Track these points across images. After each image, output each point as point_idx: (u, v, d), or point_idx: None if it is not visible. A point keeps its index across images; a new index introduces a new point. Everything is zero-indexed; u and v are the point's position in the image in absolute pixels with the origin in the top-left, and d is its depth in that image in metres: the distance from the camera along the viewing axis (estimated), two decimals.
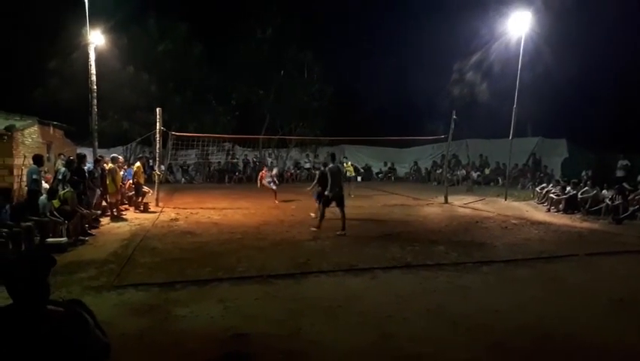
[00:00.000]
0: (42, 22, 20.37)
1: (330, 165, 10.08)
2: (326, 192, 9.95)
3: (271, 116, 26.50)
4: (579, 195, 14.06)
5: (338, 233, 9.78)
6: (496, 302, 5.67)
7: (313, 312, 5.30)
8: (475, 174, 23.69)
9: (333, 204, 10.17)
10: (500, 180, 21.96)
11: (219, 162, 26.83)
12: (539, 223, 11.96)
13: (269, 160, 26.95)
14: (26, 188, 10.64)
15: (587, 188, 14.23)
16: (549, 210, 14.44)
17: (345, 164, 17.69)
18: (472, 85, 25.24)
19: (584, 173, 18.33)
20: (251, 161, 26.74)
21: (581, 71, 20.88)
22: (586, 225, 12.01)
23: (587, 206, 13.62)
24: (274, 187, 15.62)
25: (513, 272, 7.19)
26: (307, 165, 27.91)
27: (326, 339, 4.56)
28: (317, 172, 10.42)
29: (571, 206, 13.97)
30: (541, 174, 21.09)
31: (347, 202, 10.74)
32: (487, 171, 24.29)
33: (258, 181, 16.13)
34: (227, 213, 13.07)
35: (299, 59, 26.08)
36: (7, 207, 7.97)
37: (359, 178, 26.47)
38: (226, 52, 25.36)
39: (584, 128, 22.04)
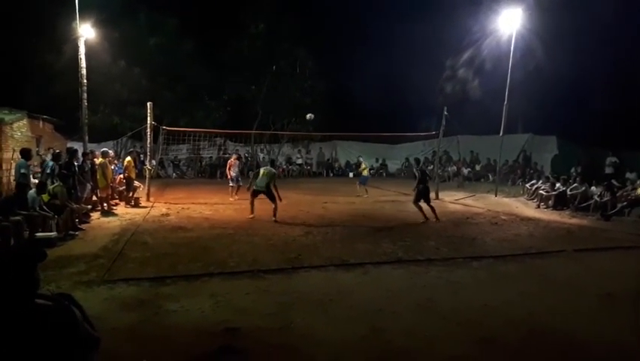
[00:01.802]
0: (32, 15, 20.13)
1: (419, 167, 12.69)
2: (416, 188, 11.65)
3: (263, 111, 26.43)
4: (568, 192, 14.21)
5: (425, 220, 11.27)
6: (486, 297, 5.72)
7: (304, 306, 5.31)
8: (465, 171, 23.84)
9: None
10: (491, 177, 22.14)
11: (211, 157, 26.75)
12: (529, 219, 12.07)
13: (260, 155, 26.92)
14: (15, 182, 10.55)
15: (576, 184, 14.39)
16: (539, 206, 14.58)
17: (362, 164, 17.82)
18: (463, 82, 25.35)
19: (573, 170, 18.53)
20: (243, 156, 26.67)
21: (571, 68, 21.02)
22: (575, 221, 12.15)
23: (576, 202, 13.77)
24: (239, 183, 15.20)
25: (503, 267, 7.26)
26: (299, 161, 27.90)
27: (317, 333, 4.58)
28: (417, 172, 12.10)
29: (560, 202, 14.11)
30: (531, 171, 21.27)
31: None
32: (477, 168, 24.46)
33: (227, 172, 15.47)
34: (219, 208, 13.04)
35: (292, 54, 26.00)
36: None
37: (350, 174, 26.62)
38: (218, 47, 25.21)
39: (574, 125, 22.22)
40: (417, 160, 15.46)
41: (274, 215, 11.08)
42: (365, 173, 17.57)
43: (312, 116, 17.66)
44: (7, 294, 1.92)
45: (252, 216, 11.29)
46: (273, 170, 11.71)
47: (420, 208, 11.46)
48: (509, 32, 16.79)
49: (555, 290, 6.16)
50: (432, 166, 24.15)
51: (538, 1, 17.97)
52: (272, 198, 11.30)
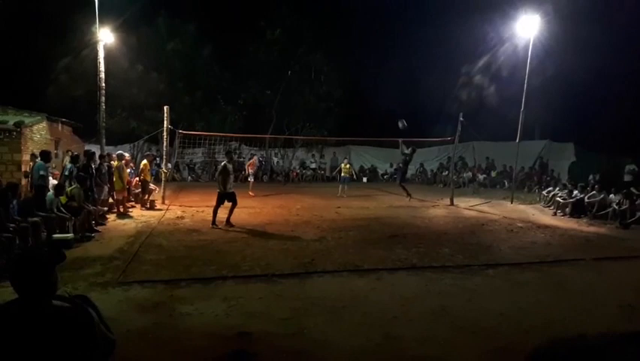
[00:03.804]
0: (53, 19, 20.47)
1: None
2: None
3: (278, 116, 26.52)
4: (586, 199, 13.98)
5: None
6: (502, 305, 5.64)
7: (317, 312, 5.29)
8: (481, 177, 23.61)
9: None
10: (507, 183, 21.89)
11: None
12: (545, 227, 11.90)
13: (274, 160, 27.02)
14: (34, 184, 10.72)
15: (594, 192, 14.15)
16: (555, 213, 14.36)
17: (343, 164, 18.16)
18: (479, 87, 25.18)
19: (591, 177, 18.24)
20: (257, 160, 26.76)
21: (589, 74, 20.77)
22: (593, 229, 11.94)
23: (594, 210, 13.54)
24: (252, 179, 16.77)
25: (519, 275, 7.16)
26: (313, 165, 27.90)
27: (330, 339, 4.56)
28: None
29: (577, 210, 13.88)
30: (548, 178, 21.00)
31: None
32: (493, 174, 24.21)
33: (247, 168, 16.83)
34: (234, 211, 13.07)
35: (308, 60, 26.07)
36: (15, 202, 8.02)
37: (364, 179, 26.53)
38: (235, 52, 25.39)
39: (592, 132, 21.93)
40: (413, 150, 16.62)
41: (227, 217, 10.66)
42: (343, 173, 17.86)
43: (405, 124, 16.38)
44: (26, 295, 1.93)
45: (215, 226, 10.53)
46: (222, 163, 10.94)
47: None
48: (527, 38, 16.64)
49: (572, 299, 6.04)
50: (447, 172, 24.00)
51: (557, 7, 17.78)
52: (228, 199, 10.68)
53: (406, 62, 29.68)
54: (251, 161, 17.89)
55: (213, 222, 10.58)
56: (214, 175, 25.46)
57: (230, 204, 10.76)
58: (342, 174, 17.90)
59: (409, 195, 13.70)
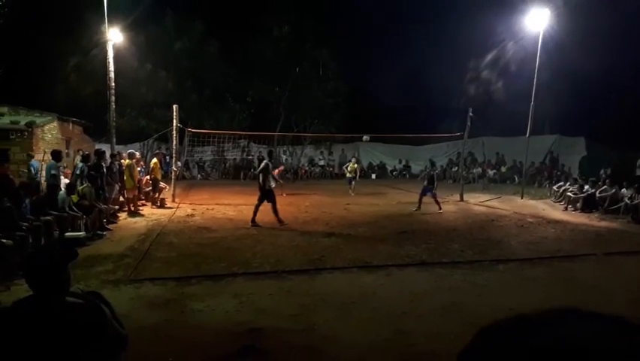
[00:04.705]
0: (62, 19, 20.63)
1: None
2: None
3: (286, 113, 26.56)
4: (597, 194, 13.86)
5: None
6: (512, 301, 5.62)
7: (327, 308, 5.32)
8: (491, 172, 23.49)
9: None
10: (517, 179, 21.74)
11: (235, 158, 27.00)
12: (556, 222, 11.82)
13: (283, 157, 27.08)
14: (45, 183, 10.85)
15: (605, 187, 14.02)
16: (566, 208, 14.26)
17: (351, 164, 17.73)
18: (488, 82, 25.00)
19: (602, 171, 18.07)
20: (282, 162, 26.83)
21: (600, 68, 20.52)
22: (604, 224, 11.84)
23: (606, 205, 13.42)
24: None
25: (529, 271, 7.13)
26: (321, 163, 27.92)
27: (340, 335, 4.58)
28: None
29: (589, 205, 13.77)
30: (559, 173, 20.83)
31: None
32: (503, 169, 24.06)
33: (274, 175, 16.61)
34: (243, 209, 13.11)
35: (315, 56, 26.06)
36: (28, 201, 8.12)
37: (373, 175, 26.51)
38: (242, 49, 25.44)
39: (603, 125, 21.69)
40: (432, 162, 14.87)
41: (276, 217, 10.44)
42: (349, 174, 17.46)
43: (368, 138, 18.64)
44: (40, 292, 1.97)
45: (254, 224, 10.43)
46: (265, 161, 10.66)
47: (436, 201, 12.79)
48: (536, 32, 16.49)
49: (583, 294, 6.01)
50: (456, 168, 23.90)
51: (566, 0, 17.59)
52: (269, 198, 10.48)
53: (413, 57, 29.54)
54: (279, 169, 17.13)
55: (253, 220, 10.45)
56: (223, 173, 25.74)
57: (270, 203, 10.51)
58: (348, 175, 17.61)
59: (439, 207, 12.81)
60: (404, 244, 8.67)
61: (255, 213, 10.50)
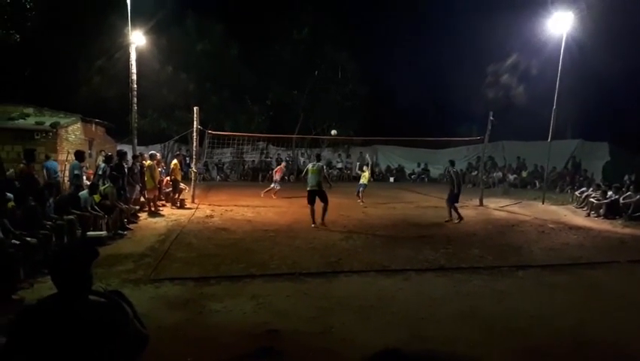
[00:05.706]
0: (87, 23, 21.01)
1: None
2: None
3: (305, 115, 26.63)
4: (621, 200, 13.57)
5: (460, 220, 11.90)
6: (532, 307, 5.55)
7: (344, 311, 5.31)
8: (511, 177, 23.20)
9: None
10: (538, 184, 21.45)
11: (253, 160, 27.18)
12: (578, 228, 11.61)
13: (301, 159, 27.16)
14: (69, 183, 11.06)
15: (629, 193, 13.73)
16: (589, 214, 13.99)
17: (366, 171, 16.35)
18: (509, 86, 24.72)
19: (626, 177, 17.71)
20: (284, 160, 26.95)
21: (624, 71, 20.13)
22: (628, 231, 11.57)
23: (630, 211, 13.12)
24: (278, 187, 16.43)
25: (550, 277, 7.01)
26: (339, 165, 27.90)
27: (357, 338, 4.56)
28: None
29: (612, 211, 13.49)
30: (581, 178, 20.48)
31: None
32: (524, 174, 23.75)
33: (274, 174, 16.87)
34: (261, 211, 13.21)
35: (333, 59, 26.10)
36: (52, 200, 8.29)
37: (391, 179, 26.38)
38: (262, 52, 25.62)
39: (628, 130, 21.25)
40: (452, 162, 13.28)
41: (322, 218, 10.77)
42: (362, 180, 16.22)
43: (336, 132, 19.25)
44: (65, 290, 2.01)
45: (314, 225, 10.68)
46: (320, 163, 11.09)
47: (455, 209, 12.07)
48: (559, 35, 16.25)
49: (605, 302, 5.89)
50: (476, 172, 23.65)
51: (590, 2, 17.29)
52: (323, 198, 10.79)
53: (433, 60, 29.41)
54: (279, 167, 17.61)
55: (313, 221, 10.80)
56: (242, 175, 25.93)
57: (323, 204, 10.85)
58: (361, 181, 16.29)
59: (460, 217, 12.30)
60: (423, 249, 8.61)
61: (312, 214, 10.85)
